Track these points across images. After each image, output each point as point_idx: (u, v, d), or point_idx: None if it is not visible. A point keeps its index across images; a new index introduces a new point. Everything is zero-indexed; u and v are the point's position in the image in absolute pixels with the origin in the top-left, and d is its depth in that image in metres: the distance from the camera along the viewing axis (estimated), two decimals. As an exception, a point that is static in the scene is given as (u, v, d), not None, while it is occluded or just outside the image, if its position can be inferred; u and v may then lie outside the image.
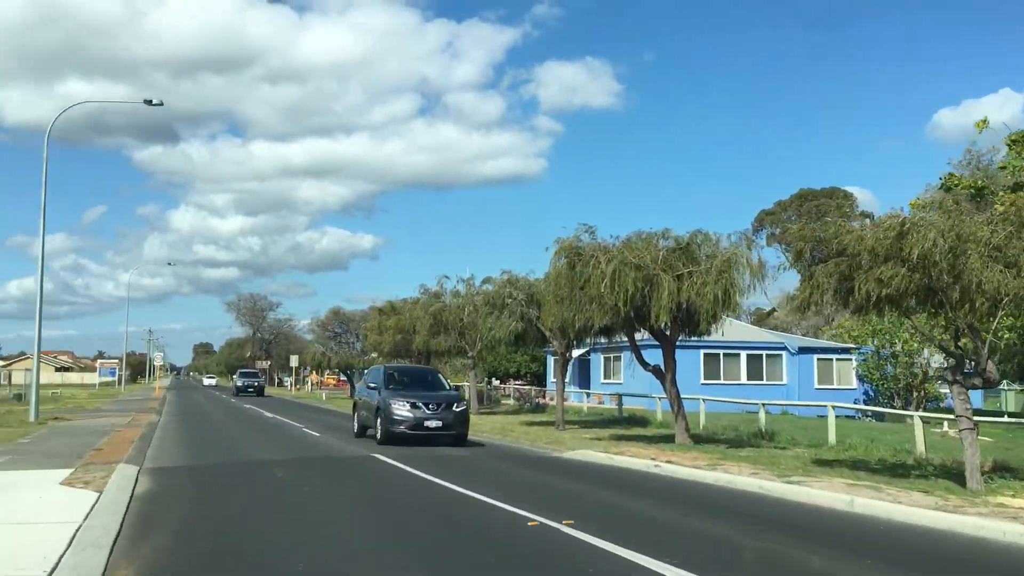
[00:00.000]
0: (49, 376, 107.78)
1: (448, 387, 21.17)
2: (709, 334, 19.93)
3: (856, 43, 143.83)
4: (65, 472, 13.13)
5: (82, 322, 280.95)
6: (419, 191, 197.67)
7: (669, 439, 20.52)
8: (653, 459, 15.92)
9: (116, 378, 78.46)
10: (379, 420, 19.24)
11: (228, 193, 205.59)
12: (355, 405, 22.51)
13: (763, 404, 23.20)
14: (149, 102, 29.96)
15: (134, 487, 12.04)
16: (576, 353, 47.12)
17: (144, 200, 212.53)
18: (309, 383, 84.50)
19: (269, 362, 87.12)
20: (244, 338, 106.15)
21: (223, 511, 10.48)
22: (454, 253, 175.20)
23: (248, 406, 41.65)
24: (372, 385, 20.41)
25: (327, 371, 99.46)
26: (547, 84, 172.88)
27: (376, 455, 16.95)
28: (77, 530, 8.28)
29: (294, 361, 63.74)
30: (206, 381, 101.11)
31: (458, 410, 19.38)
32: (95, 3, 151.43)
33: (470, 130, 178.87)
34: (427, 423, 18.83)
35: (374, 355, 46.99)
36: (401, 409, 18.88)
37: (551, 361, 50.11)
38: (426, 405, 18.95)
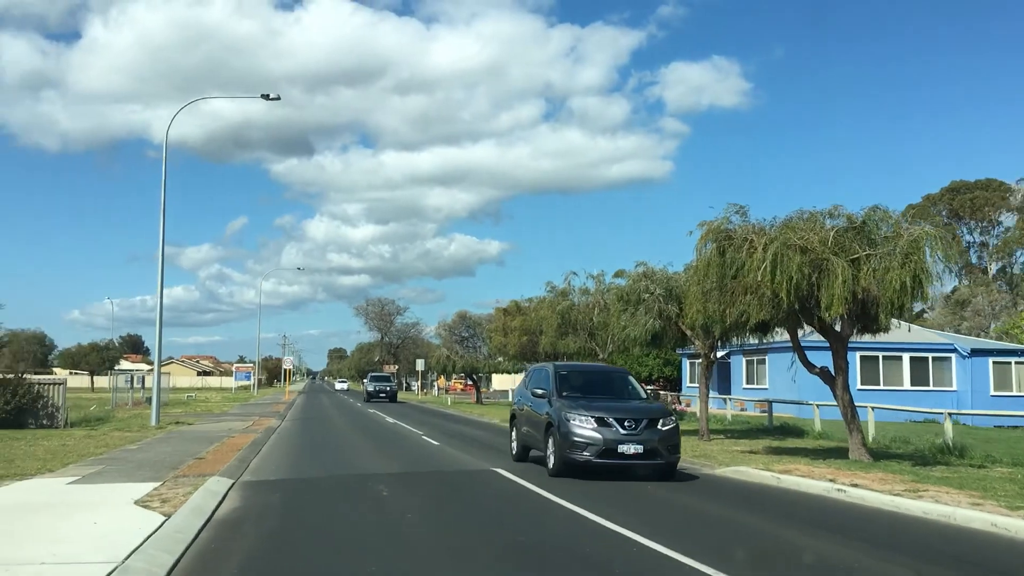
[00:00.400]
0: (191, 380, 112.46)
1: (644, 394, 15.68)
2: (887, 330, 16.78)
3: (1005, 32, 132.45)
4: (148, 487, 11.58)
5: (226, 328, 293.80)
6: (545, 196, 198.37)
7: (837, 453, 17.47)
8: (831, 480, 13.05)
9: (251, 382, 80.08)
10: (550, 441, 14.04)
11: (360, 202, 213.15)
12: (513, 417, 16.85)
13: (948, 413, 19.70)
14: (266, 96, 29.14)
15: (215, 508, 10.29)
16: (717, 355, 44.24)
17: (281, 211, 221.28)
18: (436, 387, 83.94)
19: (397, 366, 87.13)
20: (373, 343, 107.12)
21: (304, 544, 8.49)
22: (580, 258, 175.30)
23: (372, 411, 40.59)
24: (539, 392, 15.04)
25: (453, 375, 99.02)
26: (673, 85, 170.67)
27: (498, 470, 14.78)
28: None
29: (420, 365, 62.85)
30: (337, 385, 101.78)
31: (665, 429, 13.74)
32: (235, 25, 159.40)
33: (595, 134, 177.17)
34: (622, 447, 13.30)
35: (500, 359, 45.18)
36: (584, 427, 13.46)
37: (686, 364, 46.94)
38: (620, 422, 13.49)
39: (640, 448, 13.33)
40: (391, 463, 16.59)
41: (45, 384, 26.94)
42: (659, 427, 13.73)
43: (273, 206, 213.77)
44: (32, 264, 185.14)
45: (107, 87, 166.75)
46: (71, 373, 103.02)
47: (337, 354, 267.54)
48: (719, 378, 43.02)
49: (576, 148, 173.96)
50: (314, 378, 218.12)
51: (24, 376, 27.06)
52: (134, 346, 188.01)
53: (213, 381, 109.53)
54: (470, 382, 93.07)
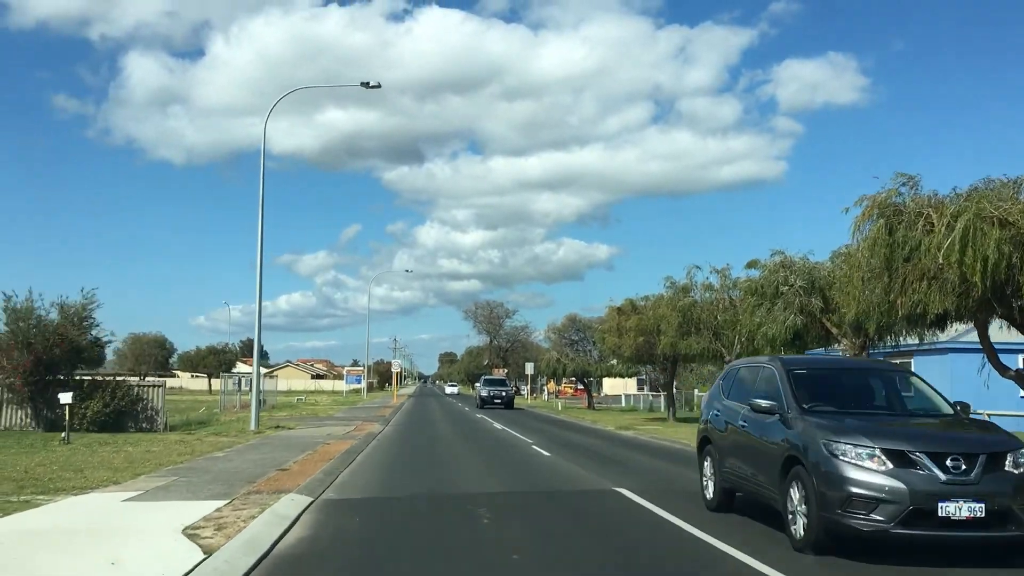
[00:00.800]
0: (305, 383, 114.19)
1: (950, 408, 9.28)
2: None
3: None
4: (210, 507, 9.80)
5: (341, 333, 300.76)
6: (653, 200, 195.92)
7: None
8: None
9: (361, 386, 79.97)
10: (795, 489, 8.21)
11: (469, 208, 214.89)
12: (706, 442, 11.05)
13: None
14: (366, 84, 27.82)
15: (276, 540, 8.34)
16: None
17: (393, 218, 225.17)
18: (545, 392, 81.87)
19: (506, 370, 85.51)
20: (482, 346, 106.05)
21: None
22: (690, 262, 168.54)
23: (479, 416, 38.79)
24: (763, 405, 9.07)
25: (563, 379, 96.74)
26: (786, 83, 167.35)
27: (621, 490, 12.41)
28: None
29: (529, 368, 60.88)
30: (447, 389, 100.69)
31: (1017, 473, 7.75)
32: (349, 38, 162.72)
33: (705, 135, 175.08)
34: (945, 506, 7.40)
35: (612, 361, 42.63)
36: (868, 467, 7.65)
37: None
38: (936, 459, 7.60)
39: (979, 508, 7.40)
40: (496, 479, 14.47)
41: (144, 386, 26.17)
42: (1006, 468, 7.73)
43: (385, 213, 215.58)
44: (160, 271, 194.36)
45: (228, 101, 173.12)
46: (192, 376, 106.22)
47: (447, 358, 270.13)
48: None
49: (685, 150, 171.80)
50: (425, 382, 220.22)
51: (122, 378, 26.37)
52: (252, 348, 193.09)
53: (326, 384, 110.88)
54: (580, 386, 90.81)
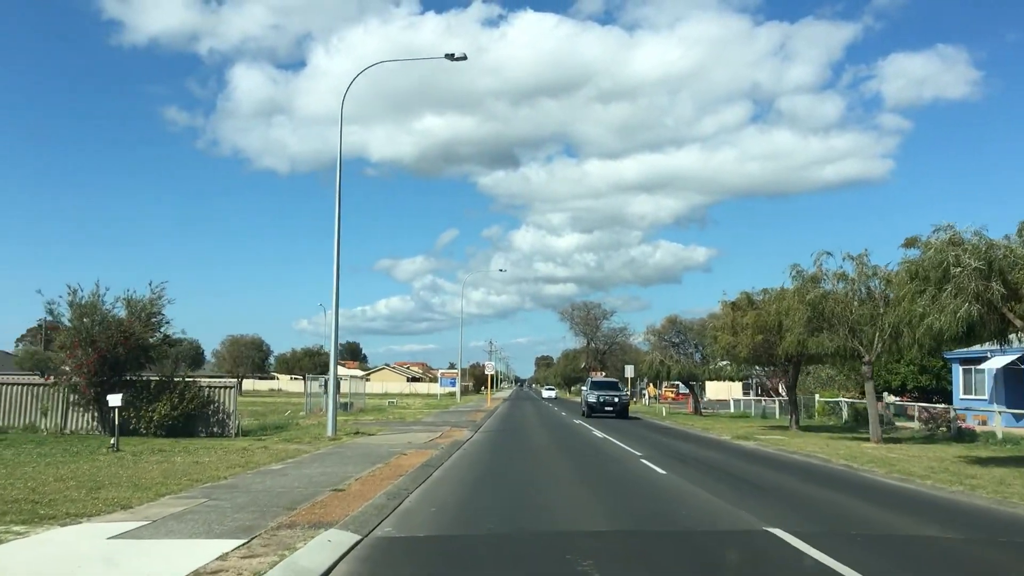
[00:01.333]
0: (400, 386, 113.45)
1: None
2: None
3: None
4: (214, 550, 7.17)
5: (439, 336, 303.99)
6: (752, 200, 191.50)
7: None
8: None
9: (456, 389, 78.01)
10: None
11: (564, 212, 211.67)
12: None
13: None
14: (451, 56, 25.18)
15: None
16: (998, 361, 35.32)
17: (488, 222, 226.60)
18: (646, 396, 78.09)
19: (604, 373, 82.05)
20: (579, 349, 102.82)
21: None
22: (791, 262, 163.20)
23: (578, 422, 35.77)
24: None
25: (665, 383, 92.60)
26: (892, 79, 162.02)
27: (774, 531, 9.18)
28: None
29: (629, 371, 57.39)
30: (545, 393, 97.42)
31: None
32: (445, 45, 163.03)
33: (806, 134, 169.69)
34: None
35: (723, 363, 38.85)
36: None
37: (958, 371, 38.36)
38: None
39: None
40: (604, 508, 11.44)
41: (216, 388, 24.20)
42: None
43: (480, 218, 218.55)
44: (262, 276, 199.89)
45: (329, 111, 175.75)
46: (291, 378, 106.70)
47: (544, 361, 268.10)
48: (1007, 389, 34.52)
49: (785, 150, 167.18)
50: (521, 385, 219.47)
51: (192, 379, 24.49)
52: (352, 353, 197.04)
53: (421, 388, 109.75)
54: (683, 390, 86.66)
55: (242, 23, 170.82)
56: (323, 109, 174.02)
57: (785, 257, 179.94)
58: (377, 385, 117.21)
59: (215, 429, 23.59)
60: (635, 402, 70.19)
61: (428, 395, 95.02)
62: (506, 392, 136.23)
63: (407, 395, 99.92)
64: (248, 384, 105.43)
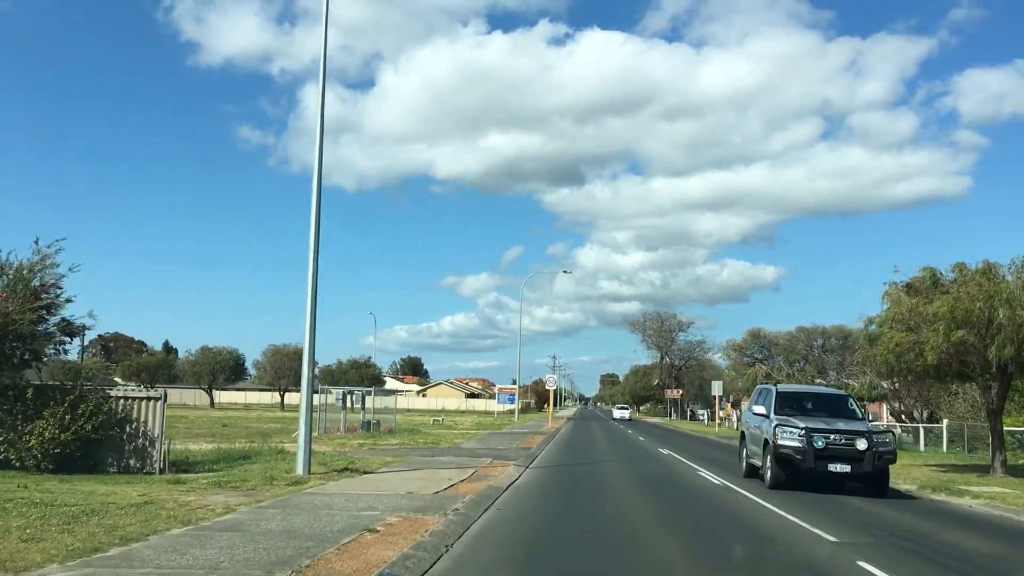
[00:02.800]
0: (458, 402, 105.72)
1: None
2: None
3: None
4: None
5: (503, 353, 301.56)
6: (823, 219, 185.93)
7: None
8: None
9: (514, 406, 69.58)
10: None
11: (629, 230, 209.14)
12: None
13: None
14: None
15: None
16: None
17: (553, 240, 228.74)
18: (734, 416, 68.36)
19: (680, 391, 72.53)
20: (651, 365, 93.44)
21: None
22: (863, 284, 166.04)
23: (665, 451, 27.06)
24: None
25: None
26: (968, 94, 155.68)
27: None
28: None
29: (716, 388, 48.16)
30: (616, 413, 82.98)
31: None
32: (511, 64, 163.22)
33: (879, 151, 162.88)
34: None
35: (881, 383, 29.31)
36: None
37: None
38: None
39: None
40: None
41: (133, 400, 16.24)
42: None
43: (545, 235, 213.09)
44: (336, 293, 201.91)
45: (396, 129, 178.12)
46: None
47: (609, 379, 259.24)
48: None
49: (857, 167, 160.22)
50: (586, 404, 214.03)
51: (94, 385, 16.54)
52: (413, 368, 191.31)
53: (479, 404, 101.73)
54: None
55: (313, 44, 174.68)
56: (390, 127, 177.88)
57: (857, 277, 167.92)
58: (433, 401, 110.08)
59: (131, 461, 15.69)
60: (720, 424, 60.77)
61: (485, 412, 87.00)
62: (570, 411, 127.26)
63: (463, 412, 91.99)
64: (292, 398, 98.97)
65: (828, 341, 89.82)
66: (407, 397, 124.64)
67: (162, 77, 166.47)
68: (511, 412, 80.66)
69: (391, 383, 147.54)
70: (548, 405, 52.79)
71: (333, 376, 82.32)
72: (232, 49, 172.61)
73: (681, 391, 72.42)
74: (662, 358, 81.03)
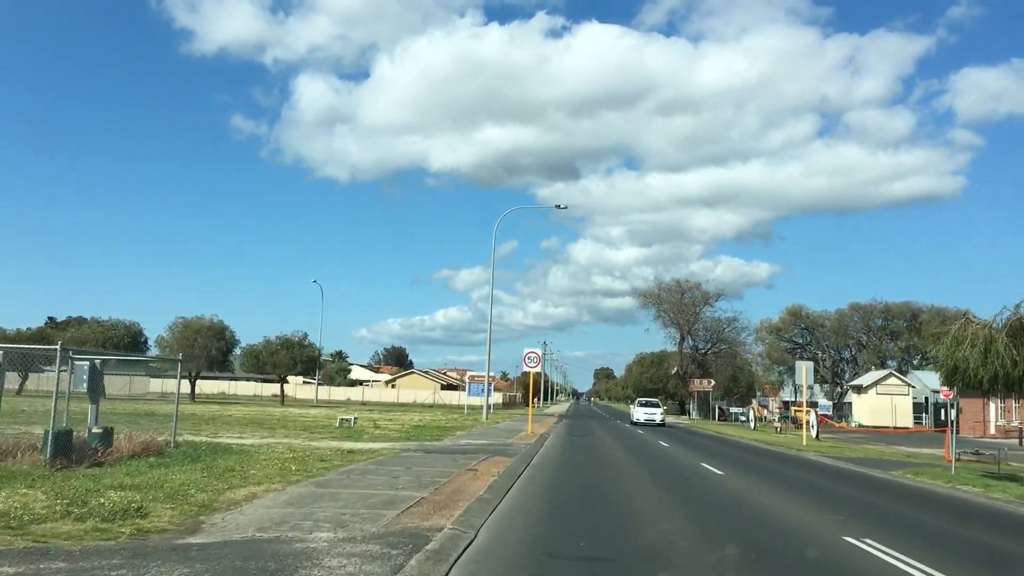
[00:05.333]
0: (431, 394, 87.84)
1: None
2: None
3: None
4: None
5: (497, 348, 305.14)
6: (818, 217, 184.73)
7: None
8: None
9: (483, 401, 51.29)
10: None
11: (623, 225, 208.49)
12: None
13: None
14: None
15: None
16: None
17: (547, 234, 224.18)
18: (779, 418, 50.19)
19: (712, 383, 54.29)
20: (666, 352, 75.12)
21: None
22: (859, 282, 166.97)
23: (764, 501, 9.35)
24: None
25: (808, 401, 64.90)
26: (965, 93, 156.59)
27: None
28: None
29: (805, 373, 29.98)
30: (640, 415, 45.22)
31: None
32: (507, 55, 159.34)
33: (875, 149, 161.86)
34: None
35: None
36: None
37: None
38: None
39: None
40: None
41: None
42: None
43: (539, 229, 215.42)
44: (325, 286, 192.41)
45: (391, 120, 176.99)
46: (304, 382, 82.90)
47: (604, 373, 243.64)
48: None
49: (853, 165, 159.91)
50: (579, 398, 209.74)
51: None
52: (398, 358, 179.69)
53: (454, 396, 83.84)
54: (824, 412, 59.87)
55: (308, 33, 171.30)
56: (385, 118, 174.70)
57: (852, 274, 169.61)
58: (405, 393, 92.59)
59: None
60: (778, 429, 42.72)
61: (453, 407, 69.37)
62: (562, 407, 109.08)
63: (429, 406, 74.41)
64: (206, 385, 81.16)
65: (892, 322, 72.18)
66: (375, 388, 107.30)
67: (156, 63, 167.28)
68: (491, 406, 62.93)
69: (359, 372, 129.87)
70: (530, 397, 34.76)
71: (259, 359, 64.29)
72: (226, 38, 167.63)
73: (713, 382, 54.20)
74: (682, 340, 62.68)
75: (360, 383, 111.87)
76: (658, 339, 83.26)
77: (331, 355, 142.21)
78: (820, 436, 35.55)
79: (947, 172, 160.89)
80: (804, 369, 28.62)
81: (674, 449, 24.69)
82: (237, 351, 64.68)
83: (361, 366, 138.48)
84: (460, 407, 65.22)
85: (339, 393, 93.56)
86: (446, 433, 26.40)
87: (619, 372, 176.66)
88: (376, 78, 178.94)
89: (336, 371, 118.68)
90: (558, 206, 37.02)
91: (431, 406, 76.54)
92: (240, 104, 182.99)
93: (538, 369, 29.10)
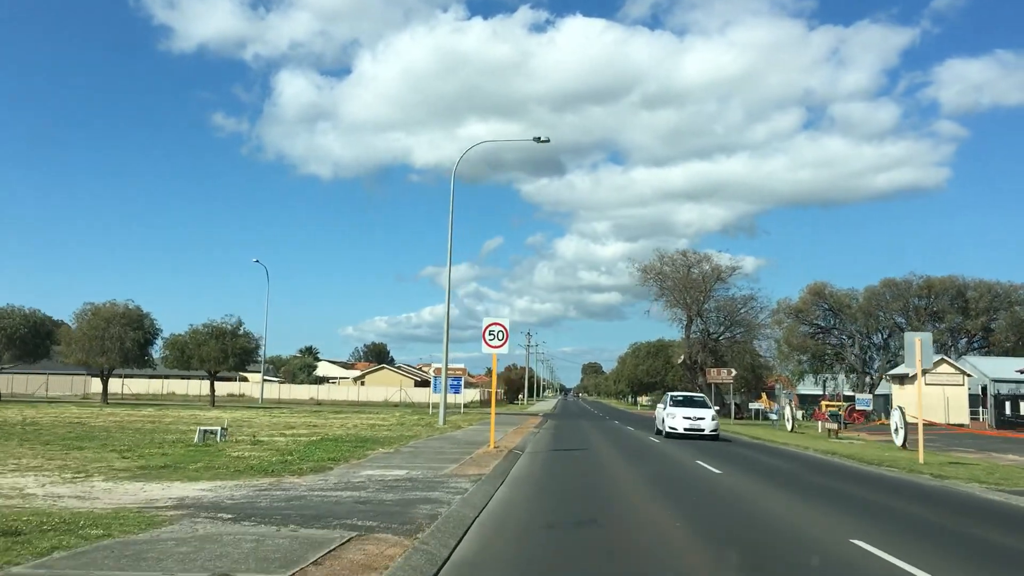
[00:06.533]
0: (401, 391, 77.49)
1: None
2: None
3: None
4: None
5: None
6: (803, 209, 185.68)
7: None
8: None
9: (439, 398, 40.67)
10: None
11: (608, 220, 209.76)
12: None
13: None
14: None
15: None
16: None
17: (533, 230, 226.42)
18: (786, 413, 39.77)
19: (733, 372, 43.82)
20: (668, 343, 64.77)
21: None
22: (845, 273, 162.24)
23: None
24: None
25: (831, 396, 54.74)
26: (949, 85, 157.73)
27: None
28: None
29: (923, 347, 19.53)
30: (679, 421, 28.25)
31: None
32: (490, 50, 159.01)
33: (859, 142, 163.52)
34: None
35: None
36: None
37: None
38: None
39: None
40: None
41: None
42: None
43: (525, 226, 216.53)
44: (308, 284, 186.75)
45: (374, 116, 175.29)
46: (269, 379, 72.97)
47: (592, 368, 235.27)
48: None
49: (838, 157, 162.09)
50: (567, 394, 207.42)
51: None
52: (379, 355, 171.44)
53: (423, 394, 73.53)
54: (861, 406, 50.65)
55: (290, 29, 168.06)
56: (367, 115, 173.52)
57: (838, 267, 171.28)
58: (374, 390, 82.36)
59: None
60: (836, 431, 32.51)
61: (417, 406, 59.23)
62: (548, 404, 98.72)
63: (393, 405, 64.19)
64: (133, 384, 70.58)
65: (936, 300, 62.18)
66: (342, 386, 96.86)
67: (134, 61, 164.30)
68: (456, 406, 52.65)
69: (328, 369, 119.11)
70: (493, 390, 24.45)
71: (184, 351, 53.59)
72: (206, 34, 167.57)
73: (734, 372, 43.94)
74: (690, 322, 52.30)
75: (326, 380, 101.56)
76: (659, 325, 74.62)
77: (300, 351, 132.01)
78: (906, 444, 25.36)
79: (931, 164, 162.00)
80: (919, 344, 18.34)
81: (759, 493, 14.29)
82: (159, 343, 53.86)
83: (332, 362, 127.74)
84: (425, 407, 54.96)
85: (301, 392, 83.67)
86: (360, 450, 16.31)
87: (608, 367, 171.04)
88: (358, 74, 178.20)
89: (299, 367, 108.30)
90: (537, 139, 27.54)
91: (397, 405, 66.23)
92: (221, 101, 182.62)
93: (504, 350, 18.98)
